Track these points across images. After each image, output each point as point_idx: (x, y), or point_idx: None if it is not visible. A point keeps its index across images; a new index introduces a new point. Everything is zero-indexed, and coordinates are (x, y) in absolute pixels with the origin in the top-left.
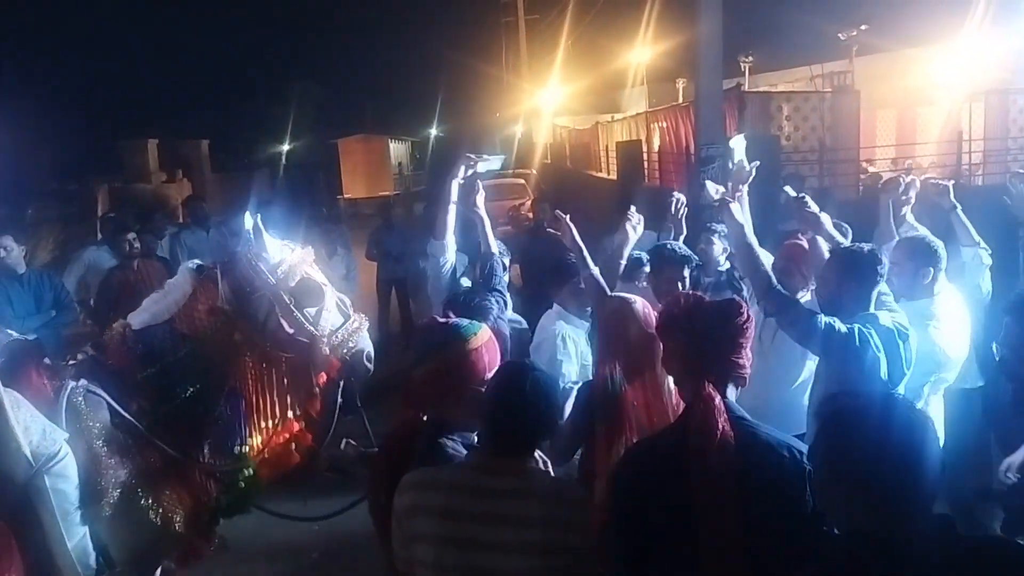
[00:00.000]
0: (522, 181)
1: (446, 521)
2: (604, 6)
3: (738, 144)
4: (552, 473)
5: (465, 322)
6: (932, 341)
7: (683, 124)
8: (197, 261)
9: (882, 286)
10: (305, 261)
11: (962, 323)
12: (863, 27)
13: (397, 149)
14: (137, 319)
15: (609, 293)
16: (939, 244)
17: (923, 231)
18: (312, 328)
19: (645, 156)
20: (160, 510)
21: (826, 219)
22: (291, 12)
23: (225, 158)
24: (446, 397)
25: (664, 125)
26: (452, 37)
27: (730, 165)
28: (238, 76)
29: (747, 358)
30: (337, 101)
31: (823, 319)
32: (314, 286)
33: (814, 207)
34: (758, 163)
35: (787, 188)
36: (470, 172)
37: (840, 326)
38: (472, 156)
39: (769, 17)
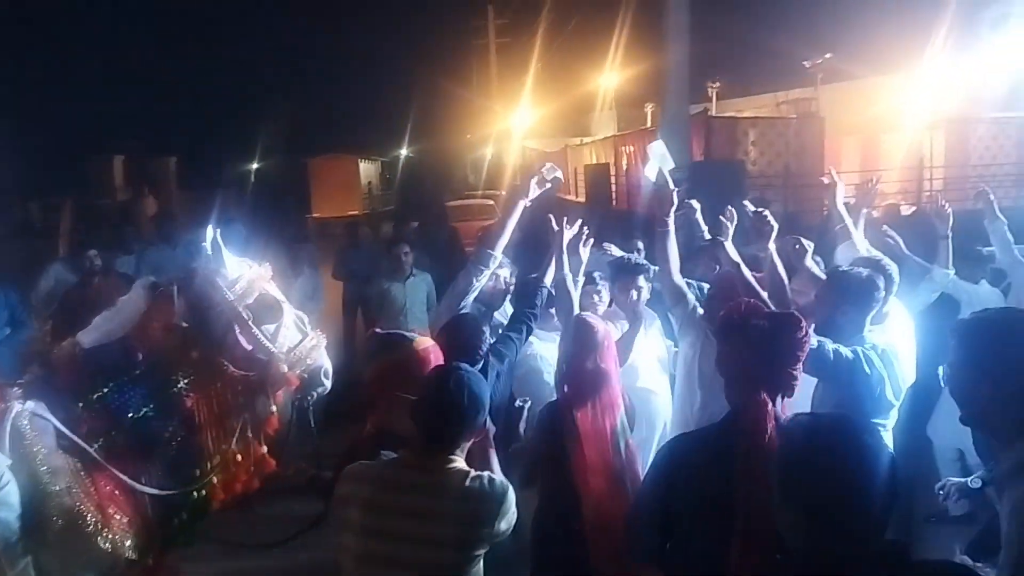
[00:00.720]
0: (491, 202)
1: (371, 512)
2: (574, 31)
3: (654, 151)
4: (492, 471)
5: (409, 333)
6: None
7: None
8: (152, 278)
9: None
10: (263, 277)
11: (911, 344)
12: (828, 55)
13: (367, 169)
14: (88, 337)
15: (576, 308)
16: (893, 267)
17: (876, 253)
18: (270, 345)
19: (613, 179)
20: (110, 537)
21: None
22: (263, 32)
23: (193, 175)
24: (393, 400)
25: (632, 149)
26: (423, 59)
27: (651, 180)
28: (208, 94)
29: (800, 372)
30: (308, 121)
31: (829, 345)
32: (272, 302)
33: (772, 222)
34: (684, 186)
35: (747, 202)
36: (546, 186)
37: (845, 351)
38: (543, 171)
39: (736, 44)
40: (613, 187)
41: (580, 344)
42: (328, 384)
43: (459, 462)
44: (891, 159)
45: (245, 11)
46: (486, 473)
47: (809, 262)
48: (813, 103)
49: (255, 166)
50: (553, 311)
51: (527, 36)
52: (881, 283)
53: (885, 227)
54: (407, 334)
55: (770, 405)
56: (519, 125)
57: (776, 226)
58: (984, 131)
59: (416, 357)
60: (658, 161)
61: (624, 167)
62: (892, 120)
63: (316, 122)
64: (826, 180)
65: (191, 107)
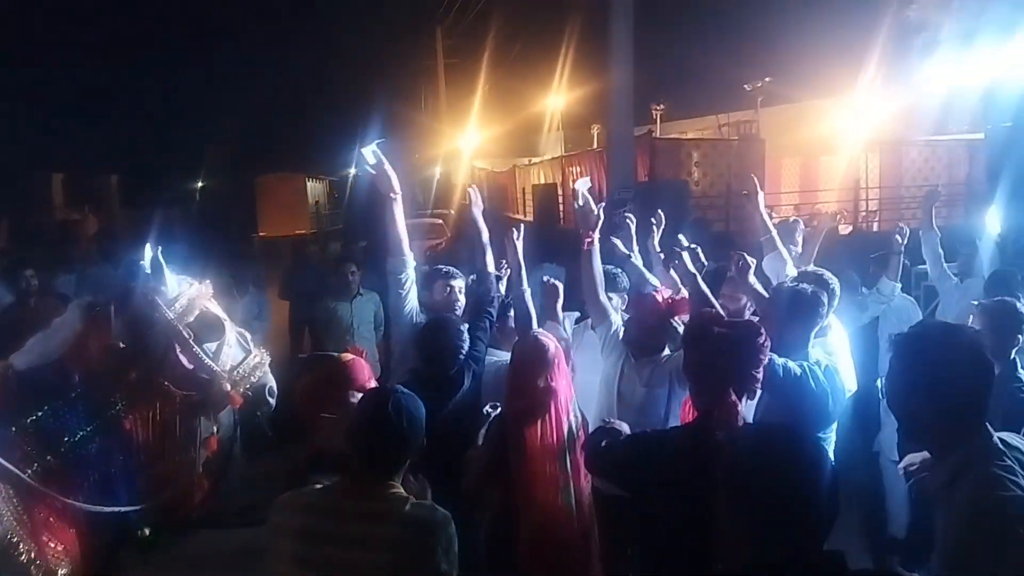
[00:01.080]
0: (440, 221)
1: (303, 542)
2: (521, 53)
3: (582, 185)
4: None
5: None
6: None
7: (597, 168)
8: (88, 298)
9: (834, 333)
10: (204, 295)
11: (848, 356)
12: (767, 79)
13: (315, 188)
14: (22, 359)
15: (535, 323)
16: (834, 281)
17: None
18: (212, 363)
19: (560, 199)
20: (44, 566)
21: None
22: (210, 47)
23: (136, 193)
24: (322, 420)
25: (579, 169)
26: (372, 79)
27: (576, 206)
28: (153, 111)
29: (762, 374)
30: (255, 139)
31: (778, 360)
32: (214, 320)
33: (690, 267)
34: (603, 205)
35: (680, 236)
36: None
37: (793, 367)
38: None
39: (679, 68)
40: (561, 206)
41: (531, 362)
42: (273, 402)
43: (398, 488)
44: (829, 180)
45: (190, 28)
46: (428, 501)
47: (752, 279)
48: (754, 125)
49: (201, 184)
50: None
51: (475, 58)
52: (825, 298)
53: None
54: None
55: (739, 405)
56: (468, 145)
57: (694, 272)
58: (916, 153)
59: (340, 372)
60: (581, 186)
61: (571, 187)
62: (830, 142)
63: (263, 140)
64: (746, 192)
65: (135, 124)
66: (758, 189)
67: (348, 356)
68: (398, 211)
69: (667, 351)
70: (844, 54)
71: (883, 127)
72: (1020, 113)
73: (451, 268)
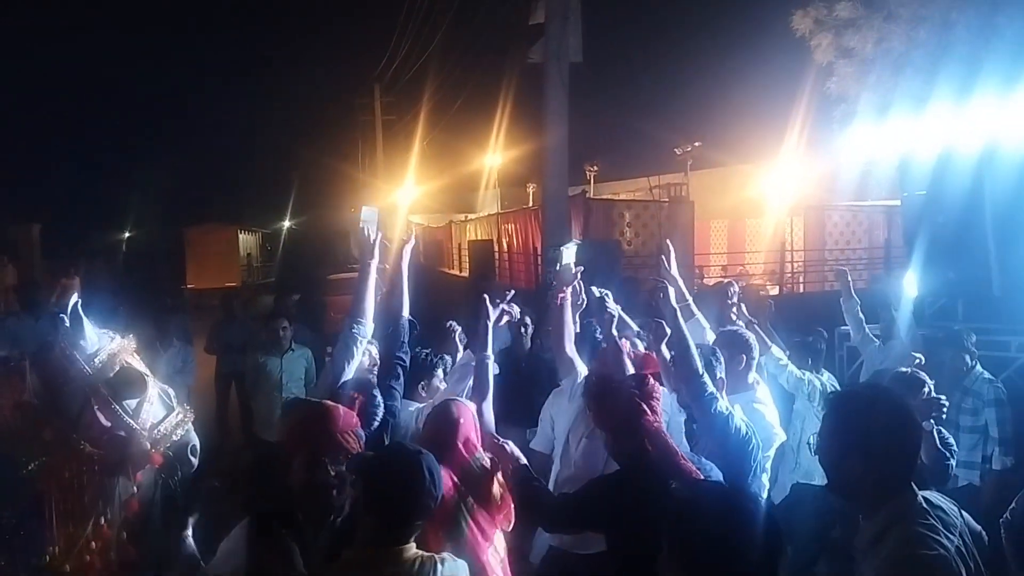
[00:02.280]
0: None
1: None
2: (459, 111)
3: (569, 250)
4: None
5: None
6: (765, 420)
7: (532, 226)
8: (2, 352)
9: (760, 390)
10: (126, 350)
11: (774, 411)
12: (697, 143)
13: (247, 240)
14: None
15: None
16: (751, 336)
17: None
18: (131, 421)
19: (496, 255)
20: None
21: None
22: (140, 95)
23: (58, 243)
24: (310, 460)
25: (515, 226)
26: (309, 132)
27: (557, 267)
28: (78, 159)
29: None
30: (186, 189)
31: (724, 406)
32: (135, 376)
33: (613, 308)
34: (582, 268)
35: (593, 288)
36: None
37: (722, 404)
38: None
39: (613, 131)
40: (496, 262)
41: (440, 427)
42: (195, 462)
43: (413, 548)
44: (756, 242)
45: (120, 75)
46: (445, 554)
47: (673, 304)
48: (684, 188)
49: (127, 235)
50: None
51: (413, 115)
52: (753, 342)
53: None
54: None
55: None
56: (404, 200)
57: (616, 311)
58: (838, 218)
59: (331, 414)
60: (568, 258)
61: (506, 244)
62: (756, 205)
63: (194, 191)
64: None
65: (58, 173)
66: (671, 255)
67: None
68: (371, 277)
69: None
70: (769, 122)
71: (807, 192)
72: (933, 183)
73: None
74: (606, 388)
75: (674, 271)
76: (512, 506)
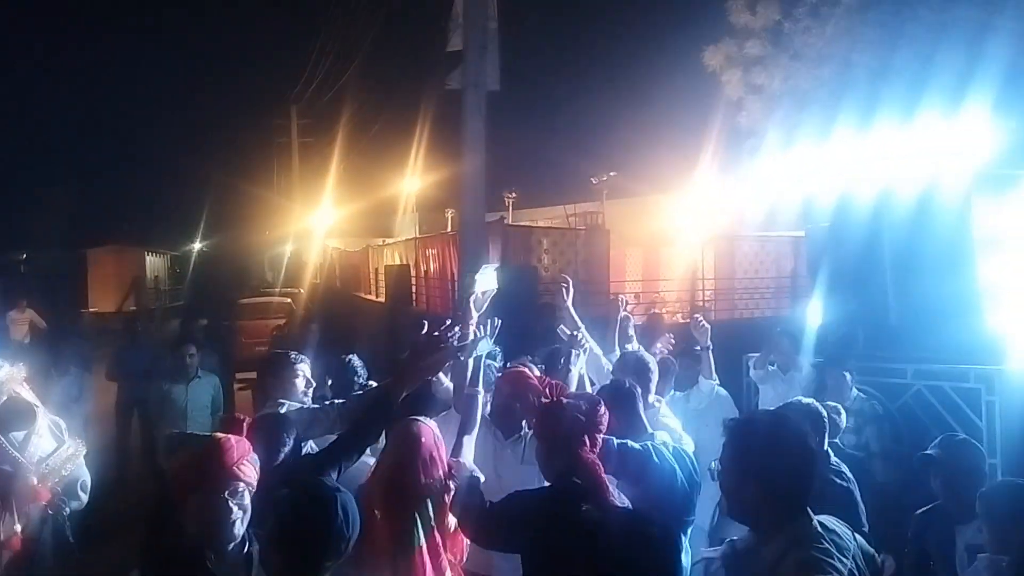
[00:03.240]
0: (288, 300)
1: None
2: (377, 136)
3: (486, 275)
4: None
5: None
6: (675, 433)
7: (450, 251)
8: None
9: (663, 408)
10: (14, 379)
11: (678, 424)
12: (612, 173)
13: (154, 263)
14: None
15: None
16: (651, 359)
17: (638, 347)
18: (17, 454)
19: (414, 280)
20: None
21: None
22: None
23: None
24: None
25: (433, 251)
26: (222, 153)
27: (473, 295)
28: None
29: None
30: (89, 209)
31: (614, 440)
32: (23, 407)
33: (586, 341)
34: (492, 292)
35: (561, 328)
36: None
37: (634, 444)
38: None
39: (531, 159)
40: (413, 288)
41: (400, 446)
42: (85, 498)
43: None
44: (670, 270)
45: (18, 88)
46: None
47: (569, 304)
48: (600, 216)
49: (23, 255)
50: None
51: (330, 138)
52: (652, 364)
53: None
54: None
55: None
56: (321, 224)
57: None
58: (748, 247)
59: (222, 447)
60: (485, 285)
61: (424, 269)
62: (670, 235)
63: (97, 212)
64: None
65: None
66: (570, 287)
67: (222, 436)
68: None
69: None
70: (683, 153)
71: (718, 222)
72: (835, 215)
73: (297, 354)
74: (554, 403)
75: (569, 303)
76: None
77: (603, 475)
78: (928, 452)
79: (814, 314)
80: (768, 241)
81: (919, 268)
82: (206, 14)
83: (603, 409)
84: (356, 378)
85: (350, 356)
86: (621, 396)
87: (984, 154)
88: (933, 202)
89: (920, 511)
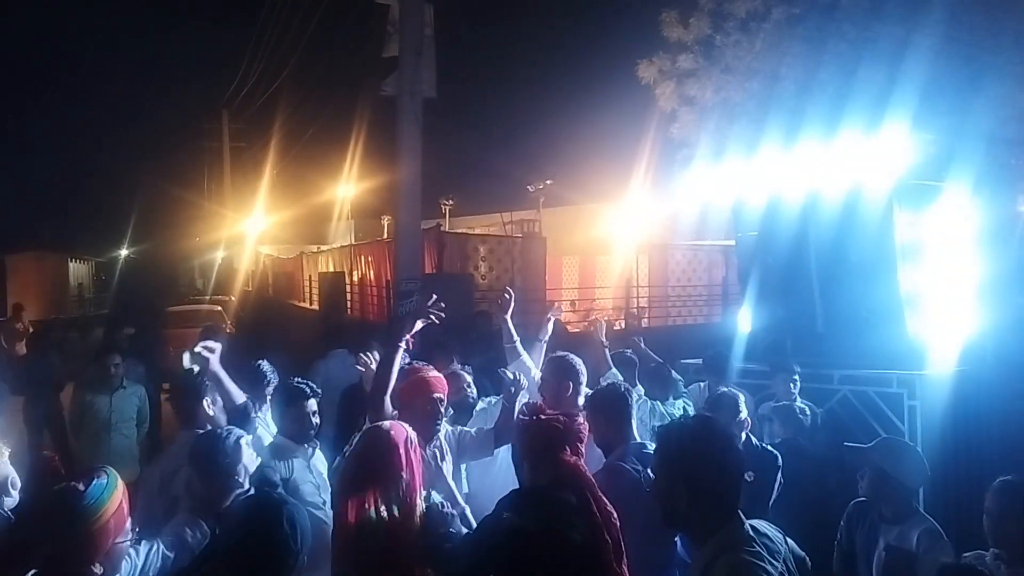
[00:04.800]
0: (219, 308)
1: None
2: (311, 141)
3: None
4: None
5: (100, 482)
6: None
7: (385, 259)
8: None
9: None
10: None
11: None
12: (548, 182)
13: (78, 269)
14: None
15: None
16: (579, 361)
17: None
18: None
19: (348, 288)
20: None
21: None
22: None
23: None
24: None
25: (369, 258)
26: (150, 156)
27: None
28: None
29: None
30: (9, 214)
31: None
32: None
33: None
34: (415, 297)
35: (503, 371)
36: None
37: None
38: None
39: (469, 166)
40: (348, 295)
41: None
42: (15, 495)
43: None
44: (606, 278)
45: None
46: None
47: (508, 317)
48: (536, 224)
49: None
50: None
51: (263, 143)
52: (580, 367)
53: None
54: (94, 493)
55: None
56: (253, 230)
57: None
58: (681, 256)
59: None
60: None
61: (359, 276)
62: (606, 243)
63: (17, 216)
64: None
65: None
66: (511, 301)
67: (115, 502)
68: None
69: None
70: (618, 163)
71: (652, 231)
72: (764, 225)
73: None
74: (532, 419)
75: (508, 318)
76: None
77: (588, 474)
78: (860, 447)
79: (744, 321)
80: (700, 250)
81: (844, 276)
82: (137, 15)
83: (582, 420)
84: (265, 382)
85: (260, 361)
86: (612, 401)
87: (904, 166)
88: (856, 212)
89: (854, 502)
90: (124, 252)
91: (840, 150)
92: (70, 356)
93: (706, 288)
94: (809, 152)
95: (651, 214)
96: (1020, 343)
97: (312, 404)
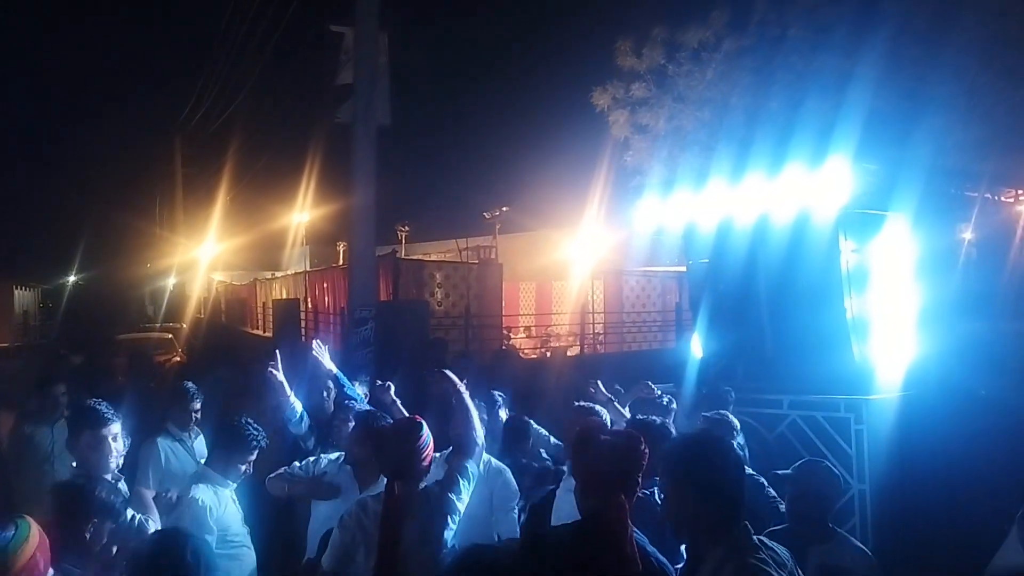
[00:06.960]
0: (169, 336)
1: None
2: (266, 166)
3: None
4: None
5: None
6: None
7: (340, 285)
8: None
9: None
10: None
11: None
12: (504, 208)
13: (23, 296)
14: None
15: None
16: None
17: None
18: None
19: (303, 315)
20: None
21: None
22: None
23: None
24: None
25: (324, 285)
26: (99, 181)
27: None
28: None
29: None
30: None
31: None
32: None
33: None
34: (371, 324)
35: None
36: None
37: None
38: None
39: (425, 192)
40: (303, 322)
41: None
42: None
43: None
44: (562, 303)
45: None
46: None
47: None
48: (493, 250)
49: None
50: None
51: (217, 168)
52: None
53: None
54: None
55: (626, 505)
56: (206, 257)
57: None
58: (635, 282)
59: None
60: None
61: (313, 303)
62: (561, 269)
63: None
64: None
65: None
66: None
67: (32, 544)
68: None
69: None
70: (573, 189)
71: (607, 257)
72: (714, 251)
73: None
74: (591, 437)
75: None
76: None
77: (629, 524)
78: (781, 472)
79: (696, 347)
80: (654, 276)
81: (792, 303)
82: (86, 37)
83: (644, 447)
84: (191, 404)
85: (186, 383)
86: (651, 435)
87: (848, 195)
88: (804, 240)
89: (768, 531)
90: (72, 279)
91: (787, 179)
92: (12, 385)
93: (660, 314)
94: (758, 180)
95: (606, 240)
96: (962, 368)
97: (114, 428)
